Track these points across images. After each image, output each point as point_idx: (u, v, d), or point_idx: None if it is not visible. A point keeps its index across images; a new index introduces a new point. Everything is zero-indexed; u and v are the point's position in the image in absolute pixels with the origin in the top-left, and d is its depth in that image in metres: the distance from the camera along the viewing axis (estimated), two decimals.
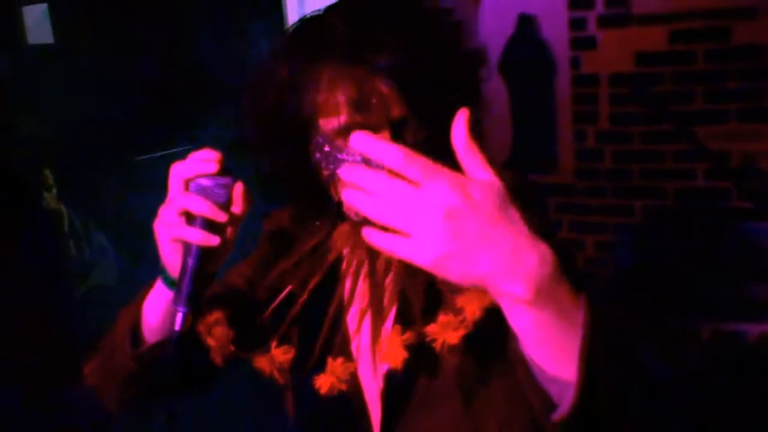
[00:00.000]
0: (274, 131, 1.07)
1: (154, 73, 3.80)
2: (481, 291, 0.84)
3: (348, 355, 1.09)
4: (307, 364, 1.10)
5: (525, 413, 0.88)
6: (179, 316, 0.94)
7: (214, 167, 0.93)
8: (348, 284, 1.14)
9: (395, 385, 1.06)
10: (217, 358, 1.07)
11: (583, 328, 0.74)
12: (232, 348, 1.07)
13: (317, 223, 1.16)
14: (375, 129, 0.99)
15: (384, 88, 0.99)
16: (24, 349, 1.27)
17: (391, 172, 0.70)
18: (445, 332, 1.00)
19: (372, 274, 1.12)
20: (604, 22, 2.95)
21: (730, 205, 2.87)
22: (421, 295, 1.06)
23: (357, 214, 1.02)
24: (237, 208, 0.95)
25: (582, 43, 3.01)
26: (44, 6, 3.53)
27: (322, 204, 1.11)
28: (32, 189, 1.64)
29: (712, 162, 2.87)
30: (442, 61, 1.03)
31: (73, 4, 3.46)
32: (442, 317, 1.01)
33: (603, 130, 3.05)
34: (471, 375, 1.05)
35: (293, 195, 1.14)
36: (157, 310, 1.03)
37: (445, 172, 0.71)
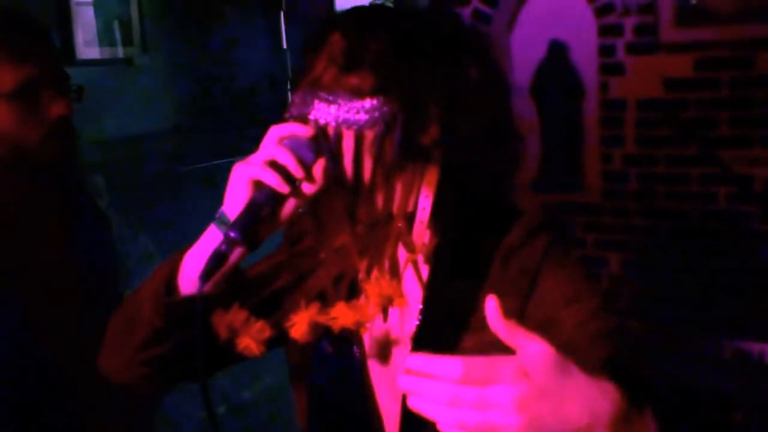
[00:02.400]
0: None
1: (199, 88, 3.93)
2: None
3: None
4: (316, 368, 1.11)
5: None
6: (228, 236, 0.92)
7: (310, 131, 0.98)
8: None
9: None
10: (254, 348, 1.01)
11: None
12: (267, 333, 1.02)
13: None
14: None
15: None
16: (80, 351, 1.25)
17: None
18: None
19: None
20: (632, 49, 3.05)
21: (754, 228, 2.95)
22: (443, 318, 1.05)
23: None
24: (313, 179, 0.97)
25: (611, 69, 3.11)
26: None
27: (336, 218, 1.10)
28: (90, 194, 1.68)
29: (735, 186, 2.96)
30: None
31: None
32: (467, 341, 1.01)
33: (629, 153, 3.14)
34: None
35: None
36: (202, 258, 0.96)
37: (504, 364, 0.73)
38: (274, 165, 0.95)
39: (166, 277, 1.02)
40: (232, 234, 0.92)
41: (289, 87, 3.71)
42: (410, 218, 1.03)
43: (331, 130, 1.00)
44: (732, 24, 2.85)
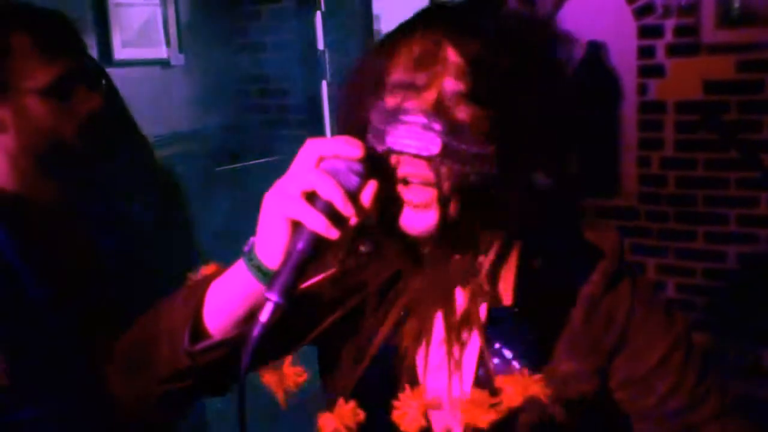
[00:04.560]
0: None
1: (239, 91, 3.95)
2: (530, 378, 0.87)
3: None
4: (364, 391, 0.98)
5: None
6: (269, 306, 0.78)
7: (359, 153, 0.80)
8: (415, 321, 0.98)
9: None
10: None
11: None
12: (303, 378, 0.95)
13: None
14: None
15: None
16: None
17: None
18: (473, 410, 0.90)
19: (448, 317, 0.97)
20: (673, 50, 3.00)
21: None
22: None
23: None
24: (365, 203, 0.81)
25: (650, 71, 3.06)
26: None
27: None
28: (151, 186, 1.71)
29: None
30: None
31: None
32: (473, 392, 0.91)
33: (668, 156, 3.09)
34: None
35: None
36: (228, 299, 0.87)
37: None
38: (315, 199, 0.78)
39: (189, 316, 0.89)
40: (277, 300, 0.77)
41: (326, 88, 3.70)
42: (494, 267, 0.96)
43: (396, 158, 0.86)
44: None
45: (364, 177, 0.81)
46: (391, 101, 0.88)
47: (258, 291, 0.82)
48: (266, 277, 0.81)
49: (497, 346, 0.96)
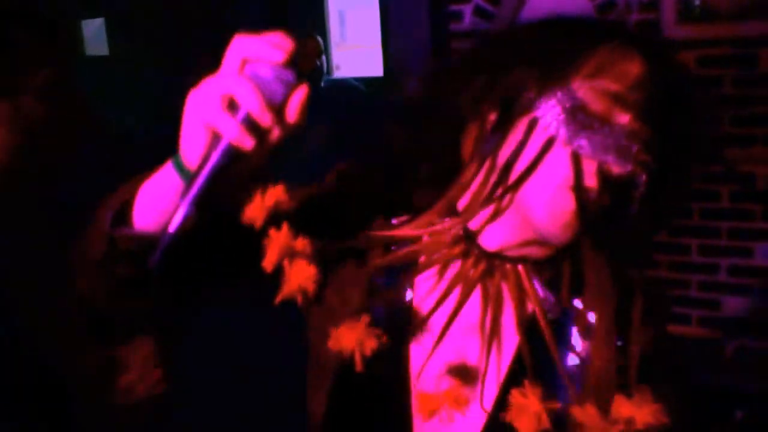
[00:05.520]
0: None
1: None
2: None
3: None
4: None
5: None
6: (179, 215, 0.74)
7: (282, 56, 0.73)
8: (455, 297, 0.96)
9: None
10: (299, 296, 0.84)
11: None
12: (311, 287, 0.83)
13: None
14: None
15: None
16: None
17: None
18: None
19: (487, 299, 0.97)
20: None
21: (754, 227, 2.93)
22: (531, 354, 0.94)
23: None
24: (290, 116, 0.75)
25: None
26: (101, 20, 3.73)
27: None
28: None
29: (738, 184, 2.93)
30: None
31: (127, 19, 3.63)
32: (587, 410, 0.87)
33: None
34: None
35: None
36: (157, 196, 0.83)
37: None
38: (234, 105, 0.73)
39: (116, 206, 0.85)
40: (186, 210, 0.74)
41: None
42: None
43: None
44: (734, 22, 2.82)
45: (292, 86, 0.74)
46: (595, 105, 0.88)
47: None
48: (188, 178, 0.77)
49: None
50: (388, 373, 0.96)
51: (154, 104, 3.63)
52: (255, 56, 0.73)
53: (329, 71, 4.77)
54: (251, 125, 0.73)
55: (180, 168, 0.79)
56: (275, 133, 0.75)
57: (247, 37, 0.74)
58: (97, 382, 1.41)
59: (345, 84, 4.36)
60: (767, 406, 2.58)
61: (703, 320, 3.06)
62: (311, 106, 0.76)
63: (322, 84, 4.15)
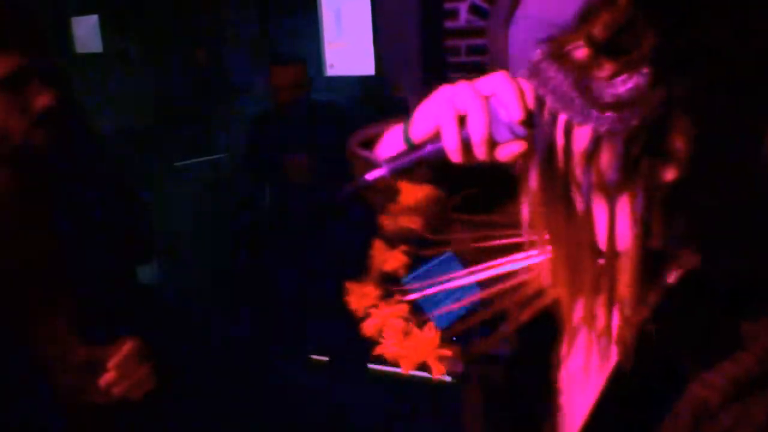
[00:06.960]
0: None
1: (193, 83, 3.95)
2: None
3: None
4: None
5: None
6: (378, 171, 0.84)
7: (520, 115, 0.76)
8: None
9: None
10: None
11: None
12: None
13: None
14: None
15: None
16: None
17: None
18: None
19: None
20: None
21: None
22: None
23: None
24: (500, 156, 0.80)
25: None
26: (95, 17, 3.70)
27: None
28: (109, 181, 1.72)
29: None
30: None
31: (122, 16, 3.61)
32: None
33: None
34: None
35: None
36: (390, 138, 0.95)
37: None
38: (465, 121, 0.80)
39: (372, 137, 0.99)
40: (384, 172, 0.84)
41: None
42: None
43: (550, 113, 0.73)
44: None
45: (516, 137, 0.78)
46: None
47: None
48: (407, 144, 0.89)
49: None
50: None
51: (148, 101, 3.61)
52: (504, 100, 0.78)
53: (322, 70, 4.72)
54: (467, 146, 0.80)
55: (407, 138, 0.89)
56: (480, 160, 0.81)
57: (510, 79, 0.79)
58: (77, 381, 1.40)
59: (324, 104, 3.76)
60: None
61: None
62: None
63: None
